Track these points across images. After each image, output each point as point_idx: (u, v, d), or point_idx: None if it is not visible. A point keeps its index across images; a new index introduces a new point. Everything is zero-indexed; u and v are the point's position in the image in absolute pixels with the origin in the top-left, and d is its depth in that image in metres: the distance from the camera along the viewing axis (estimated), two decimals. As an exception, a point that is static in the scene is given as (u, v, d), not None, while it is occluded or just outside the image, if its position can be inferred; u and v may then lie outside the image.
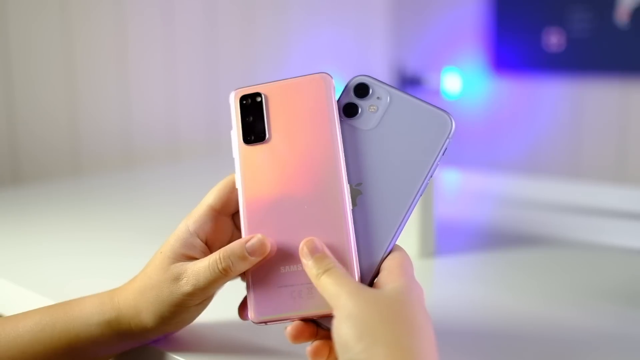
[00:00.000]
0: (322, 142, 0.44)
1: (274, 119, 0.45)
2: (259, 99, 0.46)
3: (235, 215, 0.48)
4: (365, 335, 0.36)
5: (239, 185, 0.45)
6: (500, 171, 1.87)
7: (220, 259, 0.43)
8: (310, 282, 0.42)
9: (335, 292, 0.39)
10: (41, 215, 0.92)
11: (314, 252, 0.41)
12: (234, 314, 0.51)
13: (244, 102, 0.46)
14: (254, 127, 0.45)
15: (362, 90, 0.45)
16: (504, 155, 2.07)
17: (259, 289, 0.43)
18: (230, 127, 0.47)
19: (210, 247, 0.46)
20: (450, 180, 1.19)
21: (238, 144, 0.46)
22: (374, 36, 2.15)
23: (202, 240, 0.46)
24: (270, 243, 0.43)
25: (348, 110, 0.45)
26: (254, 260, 0.43)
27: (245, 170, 0.45)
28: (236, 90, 0.46)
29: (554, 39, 1.93)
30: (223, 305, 0.54)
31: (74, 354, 0.46)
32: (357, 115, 0.45)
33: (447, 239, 0.77)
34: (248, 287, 0.44)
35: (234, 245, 0.43)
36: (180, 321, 0.46)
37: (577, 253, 0.73)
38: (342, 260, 0.42)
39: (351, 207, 0.44)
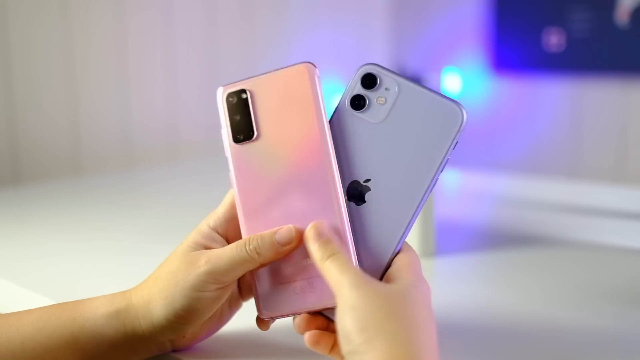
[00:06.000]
0: (310, 134, 0.44)
1: (261, 115, 0.45)
2: (244, 96, 0.45)
3: None
4: (368, 327, 0.37)
5: (233, 185, 0.45)
6: (500, 171, 1.87)
7: (249, 239, 0.43)
8: (310, 277, 0.42)
9: (338, 280, 0.39)
10: (41, 215, 0.92)
11: (320, 236, 0.41)
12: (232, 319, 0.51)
13: (230, 99, 0.46)
14: (242, 126, 0.45)
15: (369, 81, 0.44)
16: (504, 155, 2.07)
17: (263, 287, 0.44)
18: (220, 126, 0.46)
19: (229, 242, 0.46)
20: (450, 180, 1.19)
21: (229, 144, 0.46)
22: (374, 36, 2.15)
23: (221, 236, 0.46)
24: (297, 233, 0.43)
25: (355, 102, 0.44)
26: (282, 249, 0.43)
27: (238, 169, 0.45)
28: (222, 87, 0.46)
29: (554, 39, 1.93)
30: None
31: (75, 348, 0.45)
32: (365, 107, 0.44)
33: (447, 239, 0.77)
34: (253, 286, 0.44)
35: (263, 232, 0.43)
36: (190, 316, 0.44)
37: (577, 253, 0.73)
38: None
39: (345, 198, 0.43)
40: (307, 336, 0.41)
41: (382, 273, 0.42)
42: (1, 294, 0.65)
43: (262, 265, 0.44)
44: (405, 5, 2.20)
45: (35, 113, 1.28)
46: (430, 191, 0.42)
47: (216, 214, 0.46)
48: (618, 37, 1.82)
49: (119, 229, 0.84)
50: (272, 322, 0.46)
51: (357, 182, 0.43)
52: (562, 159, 1.97)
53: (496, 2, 2.03)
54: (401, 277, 0.40)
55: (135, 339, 0.45)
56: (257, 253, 0.43)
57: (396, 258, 0.42)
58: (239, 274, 0.43)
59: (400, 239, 0.42)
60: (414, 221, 0.42)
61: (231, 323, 0.50)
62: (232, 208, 0.46)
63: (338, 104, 0.45)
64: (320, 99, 0.44)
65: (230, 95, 0.46)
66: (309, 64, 0.44)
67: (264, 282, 0.44)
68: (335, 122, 0.44)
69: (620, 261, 0.70)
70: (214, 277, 0.43)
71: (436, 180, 0.42)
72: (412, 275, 0.40)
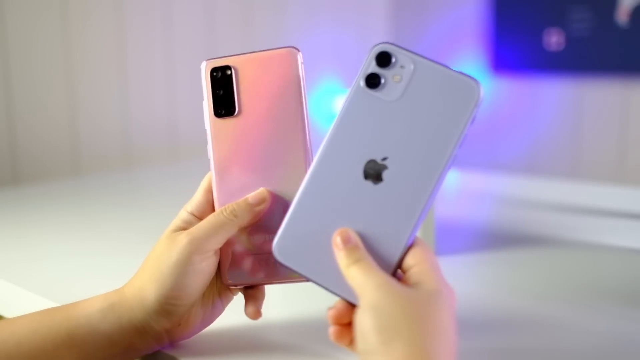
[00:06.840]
0: (289, 116, 0.46)
1: (244, 92, 0.47)
2: (229, 72, 0.47)
3: None
4: (386, 328, 0.36)
5: (210, 156, 0.48)
6: (500, 171, 1.87)
7: (225, 207, 0.46)
8: None
9: (363, 282, 0.39)
10: (41, 215, 0.92)
11: (346, 242, 0.41)
12: (228, 318, 0.51)
13: (215, 74, 0.47)
14: (224, 101, 0.47)
15: (384, 59, 0.43)
16: (504, 155, 2.07)
17: (229, 257, 0.47)
18: (203, 98, 0.48)
19: None
20: (450, 180, 1.19)
21: (209, 117, 0.48)
22: (374, 36, 2.15)
23: (199, 219, 0.48)
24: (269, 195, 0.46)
25: (370, 81, 0.43)
26: (256, 209, 0.46)
27: (217, 141, 0.48)
28: (207, 61, 0.48)
29: (554, 39, 1.93)
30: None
31: (72, 346, 0.45)
32: (380, 86, 0.43)
33: (447, 239, 0.77)
34: (221, 255, 0.47)
35: (237, 200, 0.46)
36: (180, 294, 0.44)
37: (577, 253, 0.73)
38: None
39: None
40: (332, 330, 0.41)
41: (397, 262, 0.41)
42: (0, 295, 0.65)
43: (239, 239, 0.46)
44: (405, 5, 2.20)
45: (35, 113, 1.28)
46: (449, 168, 0.42)
47: (194, 199, 0.48)
48: (618, 37, 1.82)
49: (119, 229, 0.84)
50: (235, 289, 0.48)
51: (374, 160, 0.42)
52: (562, 159, 1.97)
53: (496, 2, 2.03)
54: (425, 282, 0.39)
55: (132, 332, 0.45)
56: (234, 215, 0.45)
57: (413, 256, 0.41)
58: (221, 240, 0.45)
59: (419, 218, 0.41)
60: (433, 200, 0.42)
61: (229, 321, 0.50)
62: (208, 192, 0.48)
63: (353, 84, 0.44)
64: (301, 83, 0.46)
65: (215, 70, 0.47)
66: (293, 49, 0.47)
67: (231, 253, 0.47)
68: (351, 101, 0.44)
69: (620, 261, 0.70)
70: (196, 246, 0.44)
71: (454, 158, 0.42)
72: (436, 280, 0.39)
